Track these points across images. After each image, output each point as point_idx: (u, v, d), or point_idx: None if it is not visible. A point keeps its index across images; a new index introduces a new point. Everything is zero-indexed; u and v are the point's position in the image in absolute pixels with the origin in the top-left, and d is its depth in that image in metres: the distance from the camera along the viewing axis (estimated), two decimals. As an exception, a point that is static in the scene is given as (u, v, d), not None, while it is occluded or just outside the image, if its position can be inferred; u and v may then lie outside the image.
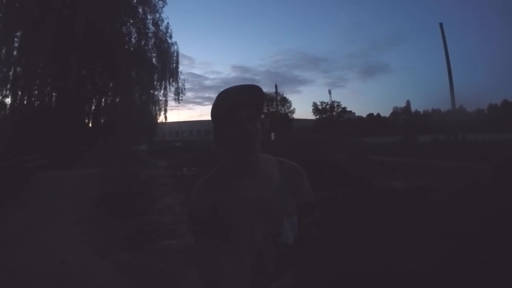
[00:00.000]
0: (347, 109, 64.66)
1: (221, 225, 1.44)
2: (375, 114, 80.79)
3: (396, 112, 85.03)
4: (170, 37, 24.73)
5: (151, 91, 24.92)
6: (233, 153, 1.47)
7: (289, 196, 1.50)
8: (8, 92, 19.52)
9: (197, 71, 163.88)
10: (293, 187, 1.53)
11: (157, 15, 23.92)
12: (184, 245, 5.63)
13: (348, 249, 4.43)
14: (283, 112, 62.29)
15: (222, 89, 1.46)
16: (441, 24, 29.59)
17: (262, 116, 1.49)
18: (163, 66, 24.54)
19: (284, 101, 65.08)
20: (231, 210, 1.43)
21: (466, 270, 3.61)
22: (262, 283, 1.44)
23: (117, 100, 23.50)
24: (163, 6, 24.02)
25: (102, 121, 23.90)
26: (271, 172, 1.52)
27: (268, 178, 1.50)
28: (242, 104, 1.38)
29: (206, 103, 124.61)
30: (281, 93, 63.67)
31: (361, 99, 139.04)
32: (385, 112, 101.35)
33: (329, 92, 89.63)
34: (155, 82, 24.69)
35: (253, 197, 1.45)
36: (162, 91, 25.30)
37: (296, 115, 66.35)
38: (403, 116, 74.68)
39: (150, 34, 23.88)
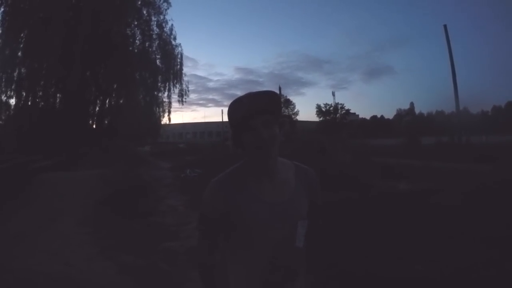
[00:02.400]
0: (351, 111, 64.20)
1: (232, 227, 1.42)
2: (378, 116, 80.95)
3: (400, 114, 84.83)
4: (174, 39, 24.80)
5: (155, 93, 25.00)
6: (251, 156, 1.45)
7: (304, 200, 1.49)
8: (12, 93, 19.63)
9: (200, 72, 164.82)
10: (308, 191, 1.53)
11: (162, 17, 24.01)
12: (187, 246, 5.63)
13: (352, 252, 4.42)
14: (287, 114, 62.20)
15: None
16: (445, 26, 29.50)
17: (281, 119, 1.47)
18: (167, 68, 24.59)
19: (288, 103, 65.01)
20: (246, 212, 1.40)
21: (472, 273, 3.58)
22: (274, 287, 1.42)
23: (121, 101, 23.58)
24: (168, 8, 24.08)
25: (106, 122, 23.94)
26: (287, 176, 1.50)
27: (285, 181, 1.48)
28: (257, 111, 1.36)
29: (209, 104, 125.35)
30: (284, 95, 63.66)
31: (365, 101, 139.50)
32: (389, 114, 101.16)
33: (333, 94, 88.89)
34: (159, 84, 24.77)
35: (269, 200, 1.43)
36: (166, 93, 25.39)
37: (299, 117, 66.19)
38: (407, 118, 74.52)
39: (154, 36, 23.99)
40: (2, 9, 18.65)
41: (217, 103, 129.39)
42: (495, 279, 3.45)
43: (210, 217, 1.43)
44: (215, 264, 1.46)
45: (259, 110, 1.37)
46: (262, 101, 1.39)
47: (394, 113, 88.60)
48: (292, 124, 55.36)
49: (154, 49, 24.18)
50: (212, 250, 1.46)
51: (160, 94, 25.43)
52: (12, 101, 19.93)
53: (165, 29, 24.19)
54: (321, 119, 62.06)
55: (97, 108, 23.64)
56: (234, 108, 1.40)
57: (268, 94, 1.42)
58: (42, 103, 20.37)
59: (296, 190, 1.49)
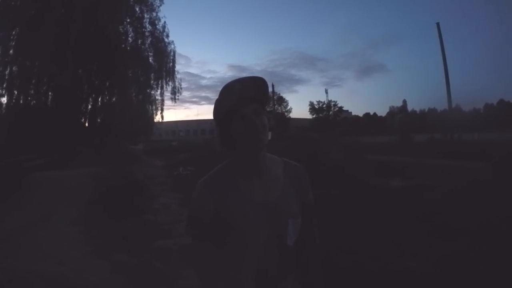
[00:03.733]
0: (344, 109, 64.58)
1: (223, 228, 1.38)
2: (371, 113, 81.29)
3: (392, 112, 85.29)
4: (167, 36, 24.73)
5: (148, 91, 24.89)
6: (240, 152, 1.42)
7: (294, 197, 1.47)
8: (4, 91, 19.45)
9: (193, 70, 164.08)
10: (298, 188, 1.51)
11: (154, 14, 23.92)
12: (180, 245, 5.62)
13: (345, 248, 4.43)
14: (280, 111, 62.26)
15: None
16: (437, 24, 29.83)
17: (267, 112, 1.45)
18: (159, 65, 24.49)
19: (281, 100, 65.02)
20: (237, 212, 1.38)
21: (464, 268, 3.61)
22: (266, 287, 1.41)
23: (114, 99, 23.49)
24: (160, 5, 24.00)
25: (99, 120, 23.76)
26: (276, 173, 1.49)
27: (274, 179, 1.47)
28: (247, 98, 1.35)
29: (202, 102, 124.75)
30: (277, 93, 63.70)
31: (358, 99, 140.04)
32: (382, 112, 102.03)
33: (326, 92, 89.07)
34: (152, 81, 24.66)
35: (259, 198, 1.41)
36: (158, 91, 25.30)
37: (292, 115, 66.16)
38: (400, 116, 74.82)
39: (147, 33, 23.90)
40: (-8, 7, 18.49)
41: (210, 101, 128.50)
42: (487, 275, 3.48)
43: (201, 219, 1.40)
44: (214, 267, 1.42)
45: (249, 98, 1.35)
46: (253, 88, 1.37)
47: (387, 110, 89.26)
48: (284, 121, 55.42)
49: (146, 46, 24.13)
50: (209, 253, 1.42)
51: (152, 92, 25.36)
52: (4, 100, 19.77)
53: (157, 26, 24.15)
54: (314, 116, 62.24)
55: (90, 106, 23.50)
56: (225, 95, 1.38)
57: (258, 80, 1.40)
58: (34, 101, 20.22)
59: (285, 187, 1.47)
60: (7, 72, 19.33)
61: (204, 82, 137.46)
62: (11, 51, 19.22)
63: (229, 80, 1.41)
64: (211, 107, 1.44)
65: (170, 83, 25.30)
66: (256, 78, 1.40)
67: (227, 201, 1.39)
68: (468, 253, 3.95)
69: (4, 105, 19.78)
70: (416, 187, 8.10)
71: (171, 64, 25.20)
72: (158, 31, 24.17)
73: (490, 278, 3.40)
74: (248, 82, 1.38)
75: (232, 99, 1.35)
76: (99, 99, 23.80)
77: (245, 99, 1.35)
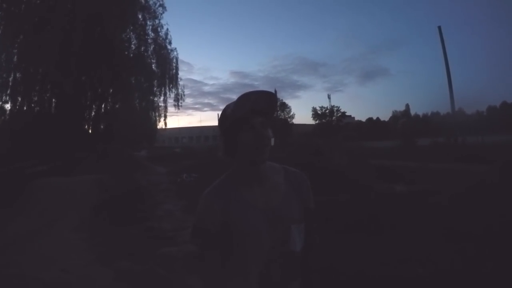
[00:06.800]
0: (347, 114, 64.38)
1: (229, 236, 1.41)
2: (374, 118, 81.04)
3: (395, 116, 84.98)
4: (170, 43, 24.82)
5: (151, 97, 24.93)
6: (242, 161, 1.45)
7: (295, 204, 1.49)
8: (7, 98, 19.56)
9: (196, 76, 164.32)
10: (299, 194, 1.52)
11: (157, 21, 24.05)
12: (185, 252, 5.60)
13: (351, 255, 4.41)
14: (282, 117, 62.22)
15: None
16: (439, 28, 29.66)
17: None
18: (162, 72, 24.54)
19: (284, 106, 64.96)
20: (240, 220, 1.40)
21: (472, 274, 3.58)
22: None
23: (117, 106, 23.58)
24: (163, 13, 24.15)
25: (102, 127, 23.86)
26: (277, 180, 1.51)
27: (275, 186, 1.49)
28: (258, 110, 1.38)
29: (205, 108, 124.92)
30: (280, 98, 63.61)
31: (361, 104, 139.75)
32: (385, 116, 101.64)
33: (329, 97, 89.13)
34: (155, 88, 24.70)
35: (261, 206, 1.43)
36: (161, 97, 25.31)
37: (295, 120, 66.07)
38: (403, 120, 74.58)
39: (149, 40, 24.01)
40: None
41: (212, 107, 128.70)
42: (493, 279, 3.45)
43: (208, 229, 1.42)
44: (220, 275, 1.43)
45: (259, 110, 1.39)
46: (263, 101, 1.41)
47: (390, 115, 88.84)
48: (287, 127, 55.41)
49: (149, 53, 24.23)
50: (215, 261, 1.43)
51: (156, 99, 25.40)
52: (8, 106, 19.86)
53: (160, 33, 24.29)
54: (317, 122, 62.17)
55: (93, 113, 23.62)
56: (239, 104, 1.40)
57: (270, 95, 1.45)
58: (38, 108, 20.34)
59: (286, 194, 1.49)
60: (11, 78, 19.46)
61: (206, 88, 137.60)
62: (15, 58, 19.33)
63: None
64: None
65: (173, 89, 25.34)
66: (269, 93, 1.46)
67: (231, 210, 1.41)
68: (476, 259, 3.92)
69: (7, 112, 19.89)
70: (420, 192, 8.06)
71: (174, 71, 25.30)
72: (161, 38, 24.34)
73: (499, 283, 3.38)
74: (262, 95, 1.42)
75: (245, 108, 1.38)
76: (103, 106, 23.96)
77: (255, 110, 1.38)
